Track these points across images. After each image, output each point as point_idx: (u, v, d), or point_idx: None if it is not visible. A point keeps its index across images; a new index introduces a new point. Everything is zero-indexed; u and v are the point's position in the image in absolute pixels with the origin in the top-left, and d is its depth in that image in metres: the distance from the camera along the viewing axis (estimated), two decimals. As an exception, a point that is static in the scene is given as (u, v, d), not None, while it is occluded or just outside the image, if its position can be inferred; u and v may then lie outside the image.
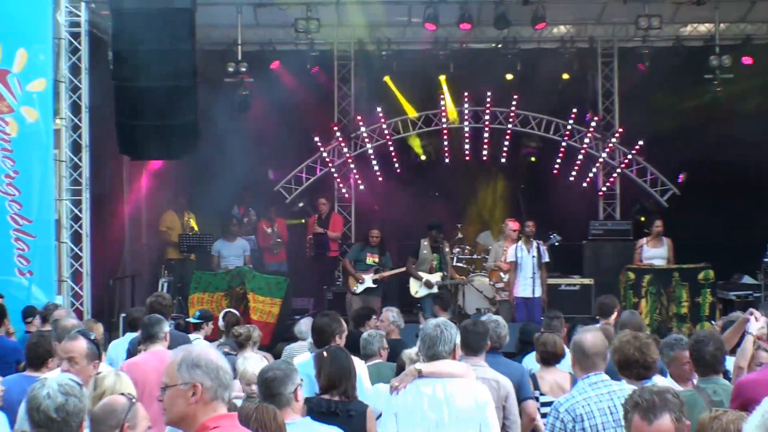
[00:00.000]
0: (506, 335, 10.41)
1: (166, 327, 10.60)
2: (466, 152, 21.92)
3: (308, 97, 21.35)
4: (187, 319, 13.92)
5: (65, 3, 17.03)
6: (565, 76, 21.72)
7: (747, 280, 19.56)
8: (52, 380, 5.95)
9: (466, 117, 21.53)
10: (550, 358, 10.23)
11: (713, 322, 16.91)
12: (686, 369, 8.29)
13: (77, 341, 8.34)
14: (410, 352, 9.07)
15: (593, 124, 21.62)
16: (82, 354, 8.13)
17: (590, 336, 7.69)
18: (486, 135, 21.84)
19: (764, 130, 19.27)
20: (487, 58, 21.49)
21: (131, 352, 10.97)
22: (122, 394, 6.37)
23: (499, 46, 20.95)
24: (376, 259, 19.14)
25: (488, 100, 21.41)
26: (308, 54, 20.69)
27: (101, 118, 17.30)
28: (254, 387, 8.64)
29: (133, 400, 6.15)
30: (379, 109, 20.98)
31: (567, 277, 19.98)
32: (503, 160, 22.06)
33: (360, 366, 9.17)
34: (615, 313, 12.72)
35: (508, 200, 22.12)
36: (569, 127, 21.51)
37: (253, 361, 9.30)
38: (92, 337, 8.76)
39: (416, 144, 21.98)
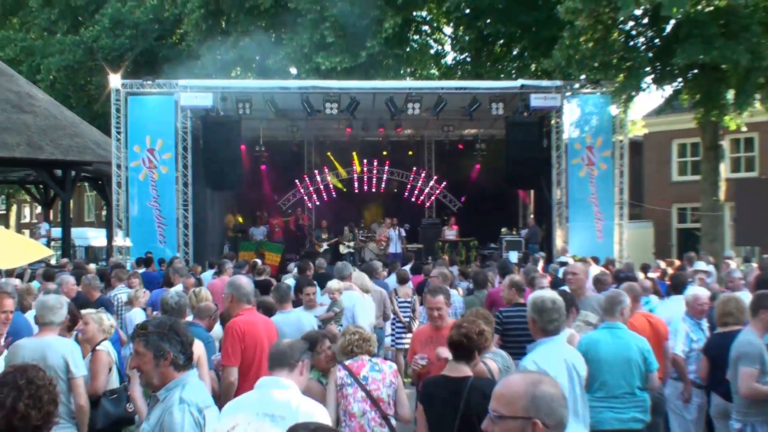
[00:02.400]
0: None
1: (229, 265, 12.33)
2: (365, 188, 24.63)
3: (291, 162, 24.27)
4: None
5: (180, 117, 19.19)
6: (410, 153, 25.01)
7: (492, 246, 21.57)
8: (174, 291, 7.60)
9: (364, 172, 24.41)
10: (405, 276, 11.98)
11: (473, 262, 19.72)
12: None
13: (190, 278, 10.41)
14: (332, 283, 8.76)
15: (423, 174, 24.71)
16: (190, 283, 9.79)
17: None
18: (374, 180, 24.49)
19: (502, 177, 21.64)
20: (376, 144, 24.32)
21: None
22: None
23: (380, 139, 23.86)
24: (325, 236, 22.19)
25: (375, 164, 24.39)
26: (291, 143, 23.63)
27: (197, 170, 19.77)
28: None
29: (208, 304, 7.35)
30: (325, 169, 24.37)
31: (411, 243, 22.29)
32: (381, 191, 24.74)
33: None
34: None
35: (385, 209, 24.30)
36: (412, 177, 24.64)
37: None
38: (196, 276, 11.13)
39: (339, 184, 24.76)
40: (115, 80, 19.72)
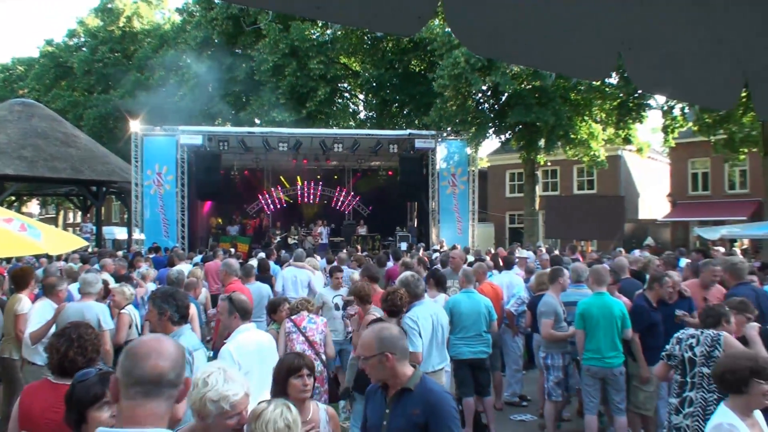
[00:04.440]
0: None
1: (221, 252, 12.19)
2: (305, 200, 23.94)
3: (256, 182, 23.72)
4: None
5: (179, 151, 18.90)
6: (336, 177, 24.33)
7: (389, 238, 21.13)
8: (175, 269, 7.58)
9: (305, 190, 23.86)
10: (331, 258, 11.88)
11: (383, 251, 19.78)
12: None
13: (186, 261, 10.56)
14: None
15: (344, 191, 24.26)
16: (182, 258, 10.41)
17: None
18: (311, 195, 23.94)
19: (396, 193, 21.92)
20: (312, 171, 23.56)
21: (202, 261, 11.46)
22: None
23: (315, 167, 23.21)
24: (278, 232, 21.62)
25: (312, 184, 23.76)
26: (255, 169, 23.10)
27: (191, 187, 19.48)
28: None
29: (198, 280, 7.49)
30: (279, 187, 23.76)
31: (335, 237, 21.62)
32: (316, 202, 24.09)
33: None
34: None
35: (318, 214, 23.36)
36: (336, 192, 24.14)
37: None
38: (193, 260, 11.81)
39: (288, 198, 23.99)
40: (134, 126, 19.47)
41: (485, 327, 6.41)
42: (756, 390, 3.07)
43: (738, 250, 14.52)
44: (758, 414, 3.18)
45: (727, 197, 27.15)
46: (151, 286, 8.43)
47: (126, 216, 26.67)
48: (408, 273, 5.62)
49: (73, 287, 6.65)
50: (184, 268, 8.92)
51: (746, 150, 19.52)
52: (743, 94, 1.83)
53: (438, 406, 2.74)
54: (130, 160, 19.53)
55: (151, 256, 13.39)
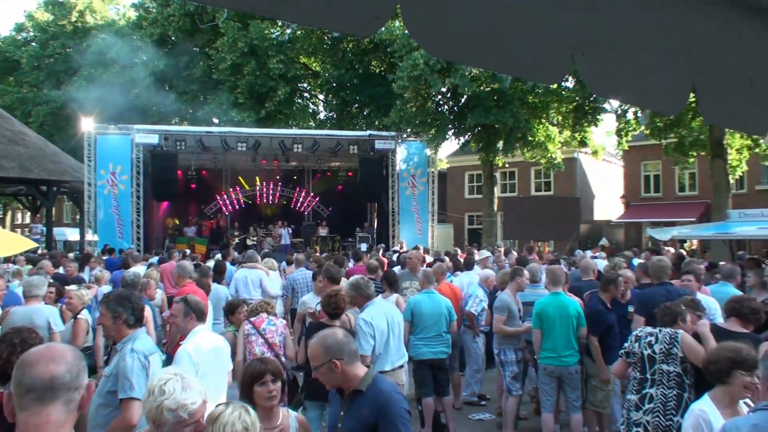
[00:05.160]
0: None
1: (176, 254, 11.76)
2: (264, 201, 23.75)
3: (214, 183, 23.38)
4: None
5: (135, 150, 18.59)
6: (295, 177, 24.23)
7: (349, 239, 21.50)
8: (131, 271, 7.22)
9: (263, 190, 23.63)
10: (291, 260, 11.62)
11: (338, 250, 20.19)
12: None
13: (141, 263, 10.47)
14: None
15: (303, 192, 24.24)
16: (136, 259, 10.43)
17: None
18: (270, 196, 23.73)
19: (356, 194, 21.82)
20: (272, 171, 23.36)
21: (159, 263, 10.98)
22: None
23: (275, 168, 23.13)
24: (237, 233, 21.88)
25: (271, 185, 23.53)
26: (213, 169, 22.70)
27: (147, 187, 19.16)
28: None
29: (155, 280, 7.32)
30: (237, 188, 23.53)
31: (295, 238, 21.52)
32: (275, 203, 23.99)
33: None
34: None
35: (278, 215, 23.33)
36: (296, 193, 24.10)
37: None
38: (148, 262, 11.21)
39: (246, 198, 23.76)
40: (87, 124, 19.08)
41: (445, 327, 6.46)
42: (737, 381, 3.13)
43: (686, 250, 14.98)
44: (743, 407, 3.19)
45: (677, 199, 28.02)
46: (105, 289, 8.22)
47: (78, 217, 26.01)
48: (358, 276, 5.66)
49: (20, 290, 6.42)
50: (139, 270, 8.76)
51: (695, 153, 20.18)
52: (691, 99, 1.87)
53: (386, 405, 2.77)
54: (83, 159, 19.10)
55: (104, 257, 13.11)
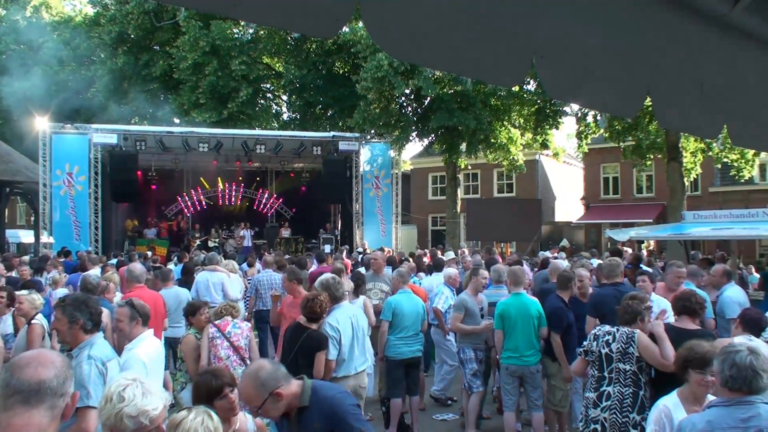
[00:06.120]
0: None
1: (137, 256, 12.31)
2: (226, 202, 23.42)
3: (174, 184, 22.74)
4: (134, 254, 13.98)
5: (93, 150, 18.14)
6: (258, 178, 24.03)
7: (313, 241, 21.41)
8: (93, 273, 6.97)
9: (225, 191, 23.31)
10: (252, 262, 13.48)
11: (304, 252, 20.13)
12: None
13: (98, 265, 10.05)
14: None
15: (266, 193, 23.78)
16: (94, 262, 10.16)
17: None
18: (232, 197, 23.43)
19: (319, 196, 21.69)
20: (234, 172, 23.06)
21: (117, 266, 10.41)
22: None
23: (237, 169, 22.73)
24: (198, 235, 21.35)
25: (233, 186, 23.25)
26: (174, 170, 22.00)
27: (105, 188, 18.74)
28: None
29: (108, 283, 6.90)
30: (198, 189, 22.99)
31: (258, 239, 21.36)
32: (238, 204, 23.68)
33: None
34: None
35: (240, 216, 22.78)
36: (259, 194, 23.60)
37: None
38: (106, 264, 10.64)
39: (208, 200, 23.27)
40: (41, 123, 18.55)
41: (420, 327, 6.61)
42: (693, 379, 3.20)
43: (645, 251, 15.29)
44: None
45: (635, 201, 28.81)
46: (62, 292, 8.04)
47: (33, 218, 25.33)
48: (328, 275, 5.61)
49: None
50: (97, 272, 8.57)
51: (652, 156, 20.71)
52: (648, 104, 1.91)
53: (334, 410, 2.76)
54: (38, 159, 18.53)
55: (61, 260, 12.74)
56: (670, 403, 3.18)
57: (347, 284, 6.58)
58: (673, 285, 6.26)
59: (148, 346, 4.04)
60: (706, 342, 3.42)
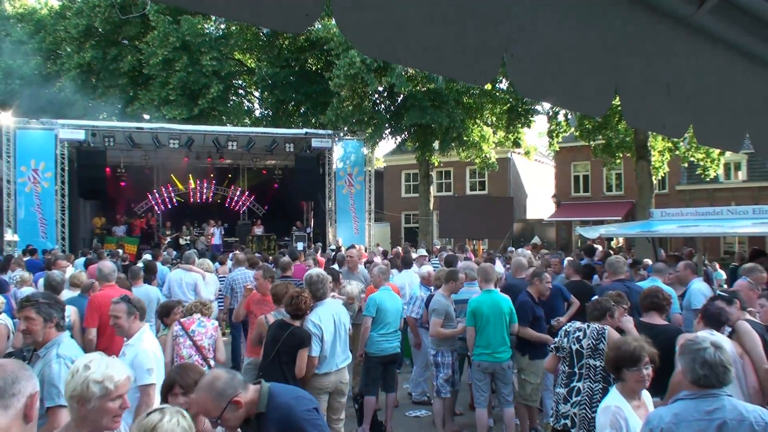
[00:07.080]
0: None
1: (105, 254, 12.01)
2: (197, 199, 23.04)
3: (144, 181, 22.33)
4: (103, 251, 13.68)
5: (59, 146, 17.93)
6: (230, 175, 23.75)
7: (286, 238, 20.94)
8: (57, 272, 6.91)
9: (197, 188, 23.01)
10: (223, 260, 13.80)
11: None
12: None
13: (65, 261, 9.96)
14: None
15: (238, 190, 23.57)
16: (63, 265, 9.43)
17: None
18: (203, 194, 23.11)
19: (292, 193, 21.56)
20: (205, 169, 22.67)
21: (85, 264, 10.54)
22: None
23: (208, 166, 22.40)
24: (169, 232, 21.23)
25: (204, 183, 22.93)
26: (144, 167, 21.59)
27: (72, 185, 18.46)
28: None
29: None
30: (169, 186, 22.65)
31: (229, 237, 21.49)
32: (209, 201, 23.20)
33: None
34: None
35: (211, 214, 22.06)
36: (230, 192, 23.43)
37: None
38: (74, 263, 10.87)
39: (179, 197, 22.94)
40: (5, 118, 18.13)
41: (400, 324, 6.73)
42: (627, 377, 3.25)
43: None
44: (645, 393, 3.33)
45: (605, 198, 29.28)
46: (27, 291, 7.82)
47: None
48: (313, 271, 5.64)
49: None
50: (66, 271, 8.47)
51: (621, 155, 21.08)
52: (617, 103, 1.94)
53: (288, 417, 2.75)
54: (1, 155, 18.14)
55: (26, 258, 12.47)
56: (619, 403, 3.20)
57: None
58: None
59: (151, 342, 4.02)
60: (630, 338, 3.49)
